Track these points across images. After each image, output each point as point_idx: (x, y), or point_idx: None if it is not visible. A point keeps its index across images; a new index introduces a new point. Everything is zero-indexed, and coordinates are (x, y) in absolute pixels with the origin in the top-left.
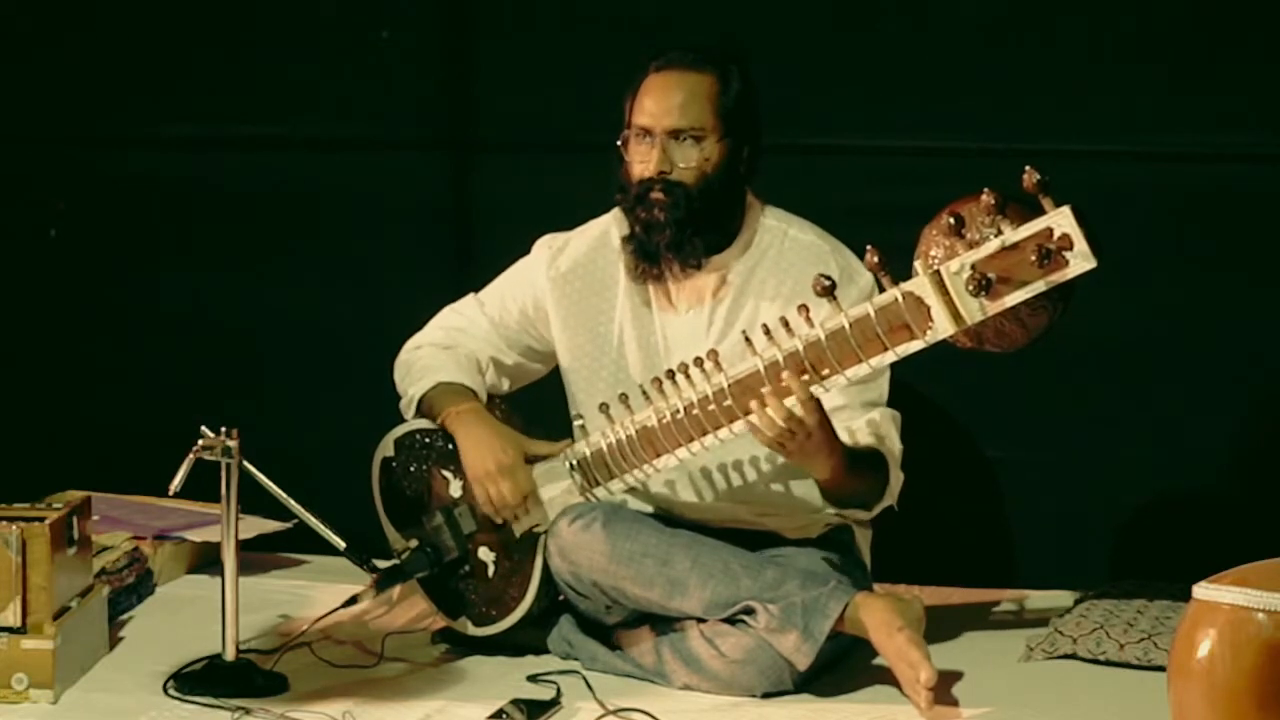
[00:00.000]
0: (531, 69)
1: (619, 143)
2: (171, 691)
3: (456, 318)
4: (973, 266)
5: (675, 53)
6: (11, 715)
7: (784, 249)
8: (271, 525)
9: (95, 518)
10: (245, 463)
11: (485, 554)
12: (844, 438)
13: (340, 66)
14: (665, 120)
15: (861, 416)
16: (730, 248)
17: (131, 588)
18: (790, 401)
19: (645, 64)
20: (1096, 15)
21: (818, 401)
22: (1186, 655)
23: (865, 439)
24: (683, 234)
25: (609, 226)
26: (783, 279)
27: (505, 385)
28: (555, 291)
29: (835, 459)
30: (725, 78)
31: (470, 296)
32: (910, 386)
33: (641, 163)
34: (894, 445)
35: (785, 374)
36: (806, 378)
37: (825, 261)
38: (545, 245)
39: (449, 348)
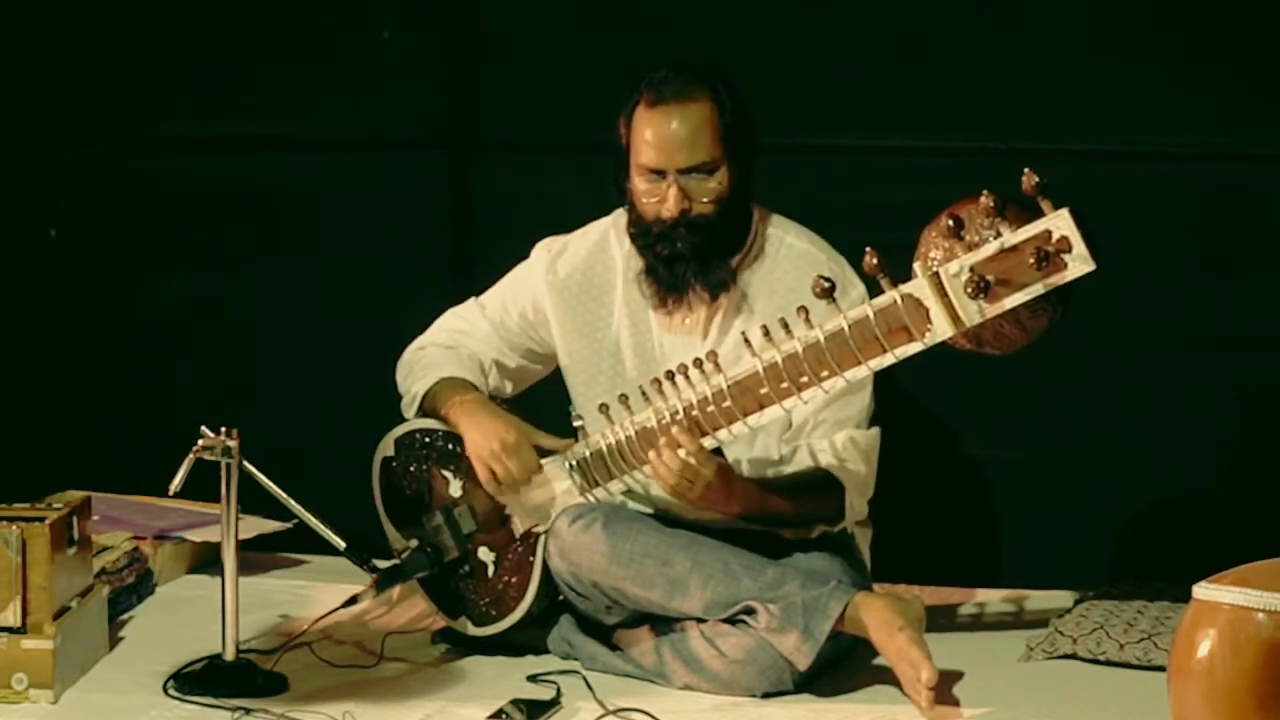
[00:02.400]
0: (531, 69)
1: (617, 174)
2: (171, 691)
3: (458, 321)
4: (971, 269)
5: (662, 79)
6: (11, 715)
7: (779, 256)
8: (271, 525)
9: (95, 518)
10: (245, 463)
11: (485, 554)
12: (806, 458)
13: (340, 66)
14: (677, 160)
15: (830, 436)
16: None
17: (131, 588)
18: (684, 453)
19: (636, 86)
20: (1096, 15)
21: (712, 453)
22: (1186, 655)
23: (824, 461)
24: (709, 262)
25: (608, 230)
26: (776, 286)
27: (508, 388)
28: (554, 296)
29: (739, 505)
30: (718, 96)
31: (471, 300)
32: (910, 387)
33: (654, 200)
34: (856, 469)
35: (675, 429)
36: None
37: (819, 270)
38: (544, 249)
39: (452, 348)
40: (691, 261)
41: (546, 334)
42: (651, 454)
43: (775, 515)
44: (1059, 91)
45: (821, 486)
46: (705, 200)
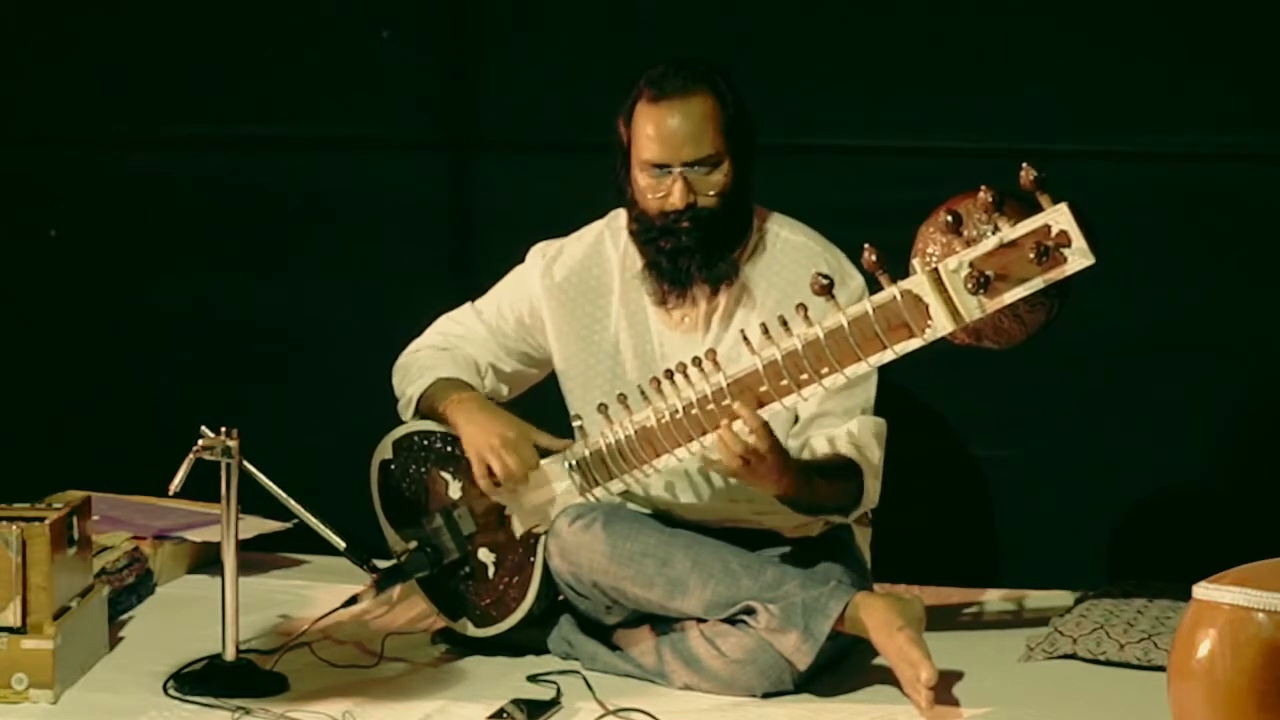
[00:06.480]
0: (531, 69)
1: (616, 173)
2: (171, 691)
3: (454, 325)
4: (971, 264)
5: (663, 75)
6: (11, 715)
7: (776, 252)
8: (271, 525)
9: (95, 518)
10: (245, 463)
11: (485, 555)
12: (823, 446)
13: (340, 66)
14: (682, 153)
15: (842, 425)
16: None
17: (131, 588)
18: (742, 429)
19: (635, 84)
20: (1096, 15)
21: (768, 427)
22: (1186, 655)
23: (842, 448)
24: (712, 255)
25: (602, 233)
26: (774, 281)
27: (505, 391)
28: (550, 300)
29: (788, 479)
30: (719, 91)
31: (467, 305)
32: (910, 386)
33: (659, 196)
34: (872, 455)
35: (735, 401)
36: (765, 390)
37: (816, 263)
38: (540, 253)
39: (446, 349)
40: (696, 254)
41: (543, 338)
42: (707, 435)
43: (812, 498)
44: (1059, 91)
45: (840, 473)
46: (710, 194)
